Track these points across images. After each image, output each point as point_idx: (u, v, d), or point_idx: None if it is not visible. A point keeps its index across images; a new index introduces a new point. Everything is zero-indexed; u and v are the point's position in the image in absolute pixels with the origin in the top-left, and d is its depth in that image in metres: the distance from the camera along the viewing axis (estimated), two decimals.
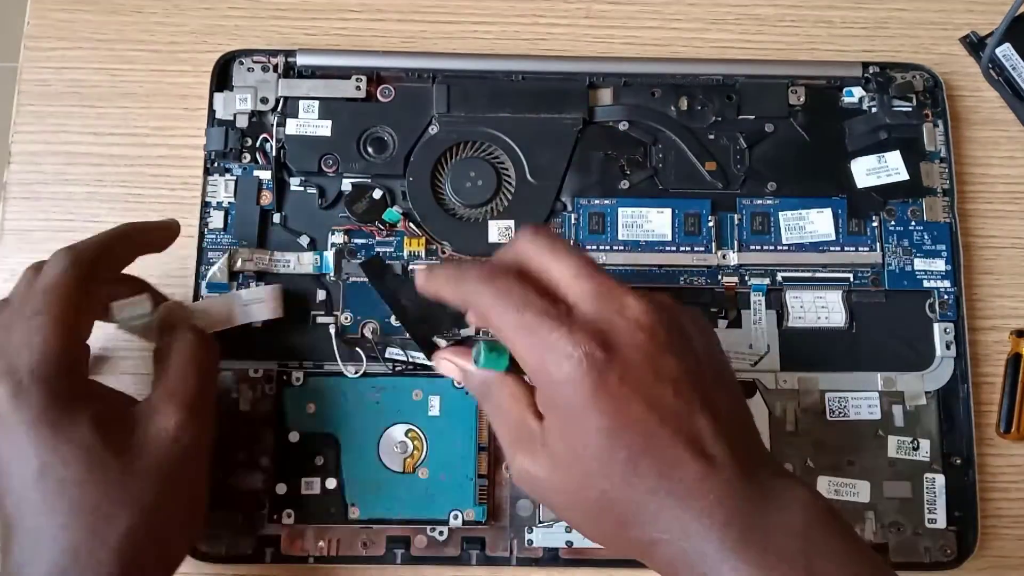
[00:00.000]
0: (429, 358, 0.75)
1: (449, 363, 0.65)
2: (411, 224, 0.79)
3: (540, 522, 0.75)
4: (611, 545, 0.58)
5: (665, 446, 0.54)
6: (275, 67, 0.81)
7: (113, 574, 0.60)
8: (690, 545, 0.53)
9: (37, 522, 0.59)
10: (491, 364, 0.60)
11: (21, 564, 0.59)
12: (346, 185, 0.81)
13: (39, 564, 0.59)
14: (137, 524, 0.61)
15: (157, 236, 0.73)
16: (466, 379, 0.64)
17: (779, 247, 0.80)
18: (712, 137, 0.82)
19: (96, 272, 0.67)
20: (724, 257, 0.80)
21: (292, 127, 0.81)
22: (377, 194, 0.80)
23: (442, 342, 0.76)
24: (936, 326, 0.79)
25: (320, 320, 0.78)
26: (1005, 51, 0.85)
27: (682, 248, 0.80)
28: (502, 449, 0.60)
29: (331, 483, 0.74)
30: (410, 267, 0.79)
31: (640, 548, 0.55)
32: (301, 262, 0.79)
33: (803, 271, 0.80)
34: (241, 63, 0.82)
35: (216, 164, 0.81)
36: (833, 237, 0.80)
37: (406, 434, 0.75)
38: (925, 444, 0.76)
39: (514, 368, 0.60)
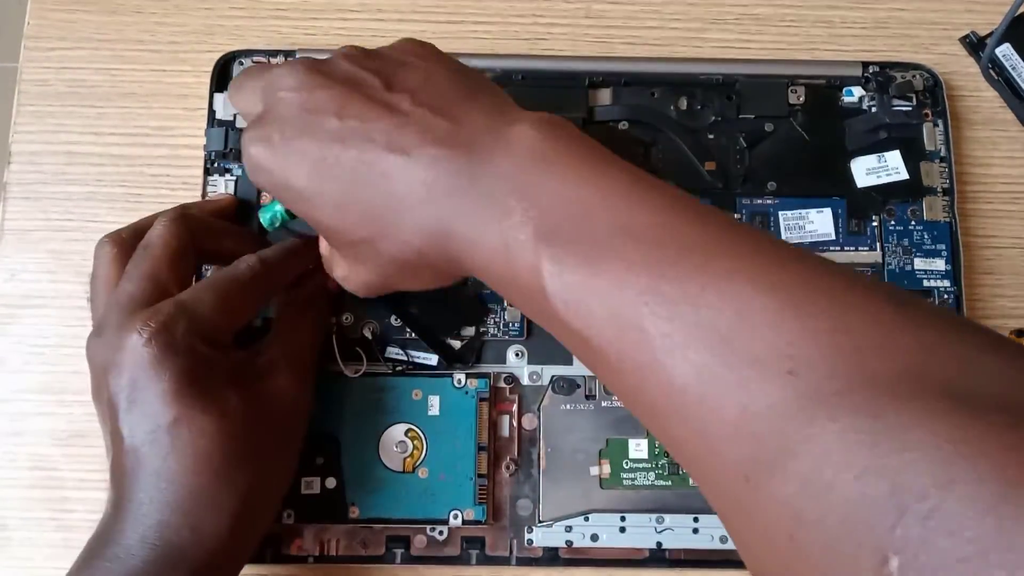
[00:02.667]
0: (446, 360, 0.76)
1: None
2: None
3: (540, 522, 0.75)
4: (401, 277, 0.64)
5: (356, 138, 0.59)
6: None
7: (228, 521, 0.63)
8: (413, 213, 0.58)
9: (167, 464, 0.61)
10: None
11: (142, 502, 0.61)
12: None
13: (160, 503, 0.61)
14: (256, 479, 0.64)
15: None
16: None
17: None
18: (712, 137, 0.82)
19: (272, 285, 0.72)
20: None
21: None
22: None
23: (456, 343, 0.77)
24: None
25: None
26: (1005, 51, 0.85)
27: None
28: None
29: (331, 483, 0.74)
30: None
31: (408, 260, 0.61)
32: None
33: None
34: (241, 63, 0.82)
35: (216, 164, 0.81)
36: (833, 237, 0.80)
37: (406, 434, 0.75)
38: None
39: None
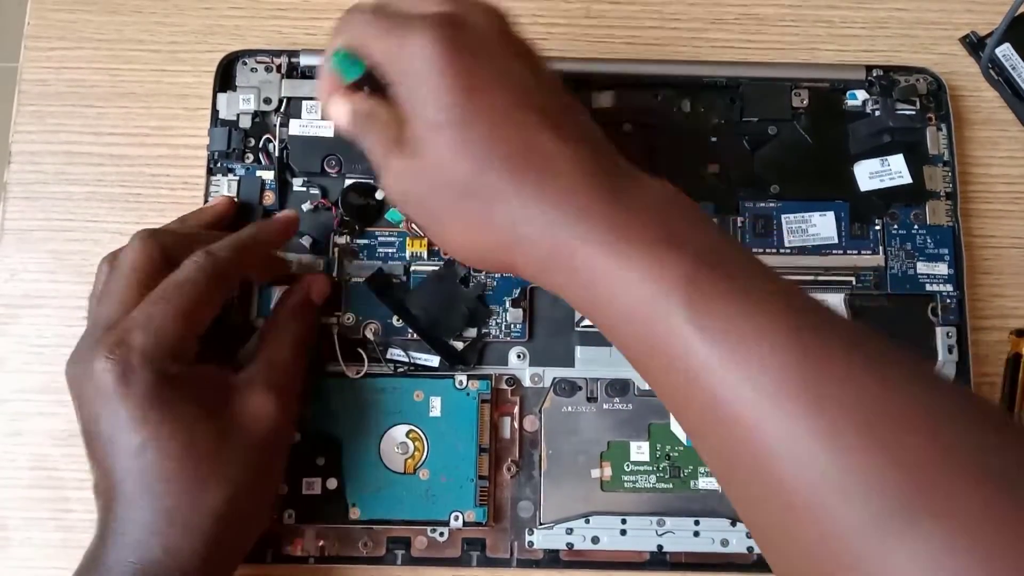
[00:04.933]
0: (448, 361, 0.76)
1: (336, 101, 0.66)
2: (413, 225, 0.79)
3: (541, 524, 0.75)
4: (482, 256, 0.62)
5: (519, 123, 0.57)
6: (278, 67, 0.81)
7: (202, 540, 0.62)
8: (551, 232, 0.56)
9: (137, 488, 0.61)
10: (344, 66, 0.64)
11: (121, 523, 0.61)
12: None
13: (136, 524, 0.61)
14: (228, 497, 0.63)
15: (280, 235, 0.76)
16: (351, 118, 0.65)
17: (781, 250, 0.80)
18: (715, 139, 0.82)
19: (228, 279, 0.70)
20: None
21: (295, 128, 0.80)
22: (380, 195, 0.80)
23: (458, 344, 0.77)
24: (938, 330, 0.79)
25: (322, 321, 0.78)
26: (1005, 51, 0.85)
27: None
28: (376, 167, 0.63)
29: (332, 483, 0.74)
30: (412, 268, 0.79)
31: (507, 252, 0.59)
32: (302, 263, 0.79)
33: (805, 274, 0.80)
34: (244, 63, 0.82)
35: (219, 164, 0.81)
36: (836, 240, 0.80)
37: (407, 435, 0.75)
38: None
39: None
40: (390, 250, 0.80)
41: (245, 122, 0.81)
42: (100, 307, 0.66)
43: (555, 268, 0.57)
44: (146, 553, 0.61)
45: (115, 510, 0.62)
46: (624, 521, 0.75)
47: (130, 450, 0.61)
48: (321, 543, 0.75)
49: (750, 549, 0.75)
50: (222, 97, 0.82)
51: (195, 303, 0.65)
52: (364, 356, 0.76)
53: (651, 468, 0.76)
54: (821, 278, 0.80)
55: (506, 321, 0.78)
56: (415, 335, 0.78)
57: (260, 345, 0.71)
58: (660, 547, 0.75)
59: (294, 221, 0.77)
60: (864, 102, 0.83)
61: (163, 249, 0.68)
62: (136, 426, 0.61)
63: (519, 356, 0.78)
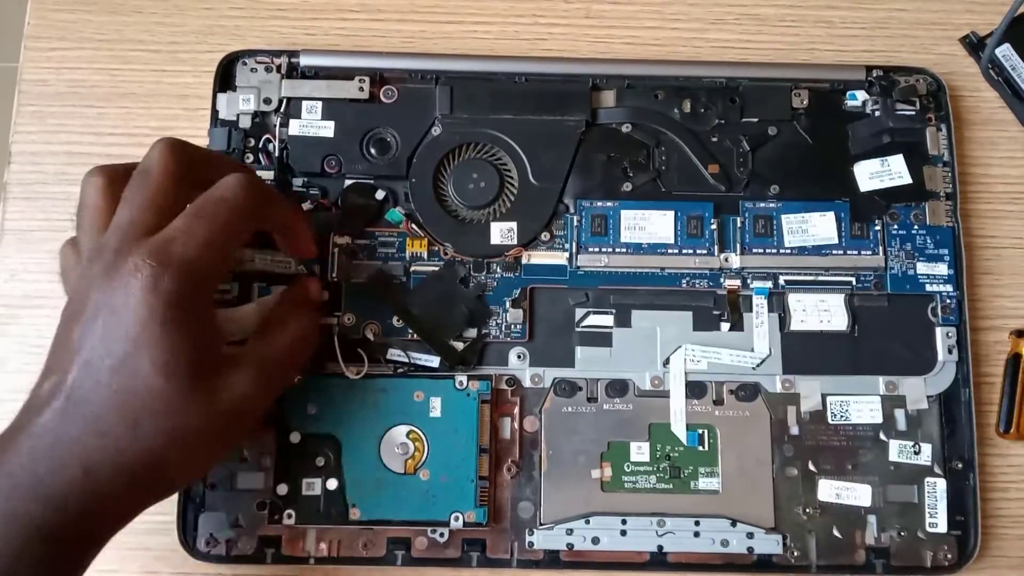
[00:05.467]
0: (448, 362, 0.76)
1: None
2: (413, 225, 0.79)
3: (541, 524, 0.75)
4: None
5: None
6: (278, 68, 0.81)
7: (127, 475, 0.60)
8: None
9: (97, 392, 0.59)
10: None
11: (48, 424, 0.59)
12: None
13: (71, 432, 0.59)
14: (168, 447, 0.61)
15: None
16: None
17: (781, 250, 0.80)
18: (715, 140, 0.82)
19: (263, 210, 0.69)
20: (726, 260, 0.80)
21: (295, 128, 0.80)
22: (380, 195, 0.80)
23: (458, 344, 0.77)
24: (938, 330, 0.79)
25: (322, 321, 0.78)
26: (1005, 51, 0.85)
27: (684, 251, 0.80)
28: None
29: (332, 484, 0.74)
30: (412, 268, 0.79)
31: None
32: (299, 263, 0.79)
33: (805, 274, 0.80)
34: (244, 64, 0.82)
35: None
36: (836, 240, 0.80)
37: (407, 435, 0.75)
38: (927, 448, 0.77)
39: None
40: (390, 250, 0.80)
41: (245, 122, 0.81)
42: (126, 210, 0.63)
43: None
44: (63, 459, 0.59)
45: (55, 403, 0.59)
46: (624, 522, 0.75)
47: (115, 352, 0.59)
48: (321, 544, 0.75)
49: (750, 549, 0.75)
50: (222, 97, 0.82)
51: (236, 227, 0.65)
52: (364, 356, 0.76)
53: (651, 468, 0.76)
54: (821, 278, 0.80)
55: (506, 321, 0.78)
56: (415, 335, 0.78)
57: (261, 327, 0.71)
58: (660, 547, 0.75)
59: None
60: (864, 102, 0.83)
61: (192, 160, 0.67)
62: (138, 332, 0.59)
63: (519, 356, 0.78)
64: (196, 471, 0.70)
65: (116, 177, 0.67)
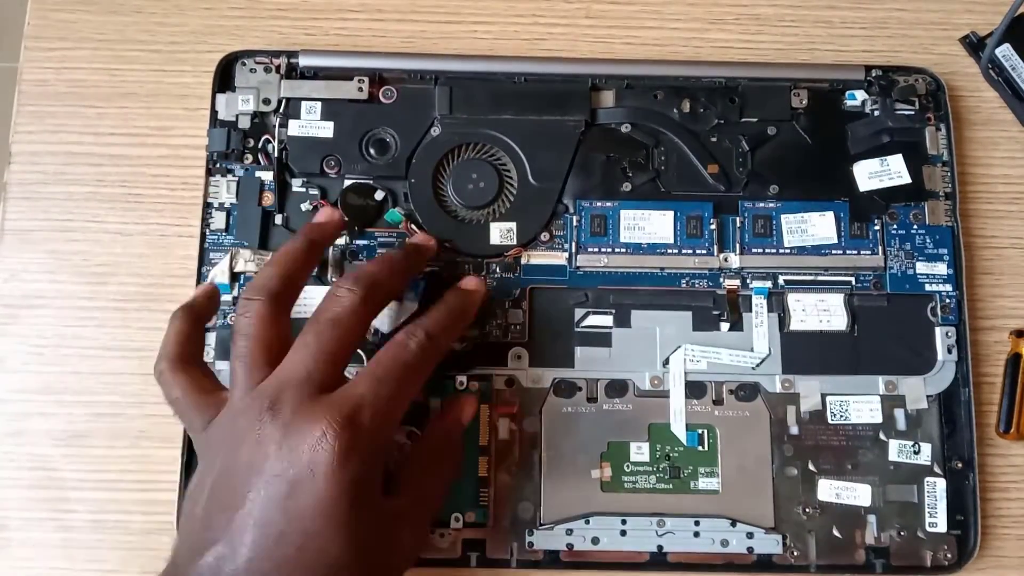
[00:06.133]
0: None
1: None
2: (413, 226, 0.79)
3: (541, 525, 0.75)
4: None
5: None
6: (277, 68, 0.81)
7: None
8: None
9: (274, 571, 0.57)
10: None
11: None
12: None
13: None
14: None
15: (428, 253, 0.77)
16: None
17: (781, 250, 0.80)
18: (714, 140, 0.82)
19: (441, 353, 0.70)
20: (726, 260, 0.80)
21: (294, 128, 0.80)
22: (379, 195, 0.80)
23: (456, 345, 0.77)
24: (938, 330, 0.79)
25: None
26: (1005, 51, 0.85)
27: (684, 251, 0.80)
28: None
29: None
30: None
31: None
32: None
33: (805, 274, 0.80)
34: (243, 64, 0.82)
35: (218, 165, 0.81)
36: (835, 240, 0.80)
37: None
38: (926, 448, 0.77)
39: None
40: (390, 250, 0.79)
41: (244, 123, 0.81)
42: (305, 359, 0.62)
43: None
44: None
45: (222, 559, 0.56)
46: (624, 522, 0.75)
47: (298, 528, 0.57)
48: None
49: (750, 549, 0.75)
50: (221, 98, 0.82)
51: (415, 387, 0.65)
52: (364, 357, 0.76)
53: (651, 468, 0.76)
54: (821, 278, 0.80)
55: (506, 321, 0.78)
56: None
57: (414, 470, 0.69)
58: (660, 547, 0.75)
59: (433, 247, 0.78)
60: (863, 102, 0.83)
61: (368, 300, 0.66)
62: (327, 509, 0.57)
63: (519, 357, 0.78)
64: None
65: (280, 303, 0.66)
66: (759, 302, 0.79)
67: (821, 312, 0.79)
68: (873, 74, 0.84)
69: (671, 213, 0.80)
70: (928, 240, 0.81)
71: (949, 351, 0.78)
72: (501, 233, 0.80)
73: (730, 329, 0.79)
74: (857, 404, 0.77)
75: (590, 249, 0.80)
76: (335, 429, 0.57)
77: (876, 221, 0.81)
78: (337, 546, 0.57)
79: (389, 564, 0.63)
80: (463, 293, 0.74)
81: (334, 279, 0.78)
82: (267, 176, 0.80)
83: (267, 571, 0.56)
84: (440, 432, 0.73)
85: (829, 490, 0.76)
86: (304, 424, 0.58)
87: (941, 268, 0.80)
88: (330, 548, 0.57)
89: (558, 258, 0.80)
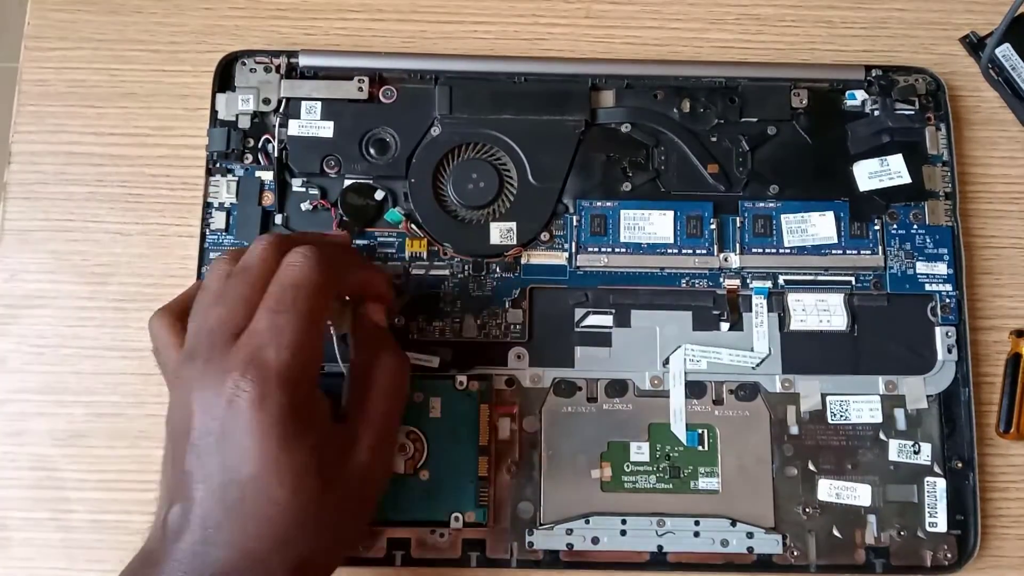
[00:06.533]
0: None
1: None
2: (413, 225, 0.79)
3: (541, 524, 0.75)
4: None
5: None
6: (277, 68, 0.82)
7: None
8: None
9: (224, 518, 0.57)
10: None
11: (192, 545, 0.57)
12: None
13: (214, 556, 0.57)
14: (315, 550, 0.60)
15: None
16: None
17: (781, 250, 0.80)
18: (714, 139, 0.82)
19: (338, 276, 0.67)
20: (726, 260, 0.80)
21: (294, 128, 0.81)
22: (379, 195, 0.80)
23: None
24: (938, 330, 0.79)
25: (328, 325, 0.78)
26: (1005, 51, 0.85)
27: (684, 251, 0.80)
28: None
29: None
30: (411, 269, 0.80)
31: None
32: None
33: (805, 274, 0.80)
34: (243, 64, 0.82)
35: (218, 165, 0.81)
36: (835, 240, 0.80)
37: (407, 436, 0.75)
38: (926, 448, 0.77)
39: None
40: (389, 250, 0.80)
41: (244, 122, 0.81)
42: (216, 308, 0.62)
43: None
44: None
45: (187, 530, 0.57)
46: (624, 521, 0.75)
47: (238, 477, 0.57)
48: None
49: (750, 549, 0.75)
50: (221, 97, 0.82)
51: (319, 309, 0.63)
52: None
53: (651, 468, 0.76)
54: (821, 278, 0.80)
55: (506, 321, 0.79)
56: (415, 336, 0.78)
57: (357, 386, 0.68)
58: (660, 547, 0.75)
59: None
60: (863, 102, 0.83)
61: (278, 249, 0.65)
62: (258, 455, 0.57)
63: (519, 357, 0.78)
64: (345, 549, 0.70)
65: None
66: (759, 302, 0.79)
67: (821, 312, 0.79)
68: (873, 74, 0.84)
69: (671, 213, 0.80)
70: (928, 240, 0.81)
71: (949, 351, 0.78)
72: (501, 233, 0.80)
73: (730, 329, 0.79)
74: (857, 404, 0.77)
75: (590, 249, 0.80)
76: (242, 374, 0.58)
77: (876, 221, 0.81)
78: (278, 486, 0.58)
79: (345, 490, 0.62)
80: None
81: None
82: (267, 176, 0.80)
83: (220, 521, 0.57)
84: (365, 342, 0.71)
85: (829, 490, 0.76)
86: (215, 375, 0.58)
87: (941, 268, 0.80)
88: (271, 490, 0.58)
89: (558, 258, 0.80)
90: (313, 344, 0.61)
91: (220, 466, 0.58)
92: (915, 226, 0.81)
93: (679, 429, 0.77)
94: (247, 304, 0.61)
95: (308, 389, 0.61)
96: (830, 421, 0.77)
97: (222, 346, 0.59)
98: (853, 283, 0.80)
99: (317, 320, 0.62)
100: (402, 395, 0.70)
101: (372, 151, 0.81)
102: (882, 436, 0.77)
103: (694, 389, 0.78)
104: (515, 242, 0.80)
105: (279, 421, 0.58)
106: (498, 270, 0.80)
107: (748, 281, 0.80)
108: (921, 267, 0.80)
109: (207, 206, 0.80)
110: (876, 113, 0.82)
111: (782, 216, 0.81)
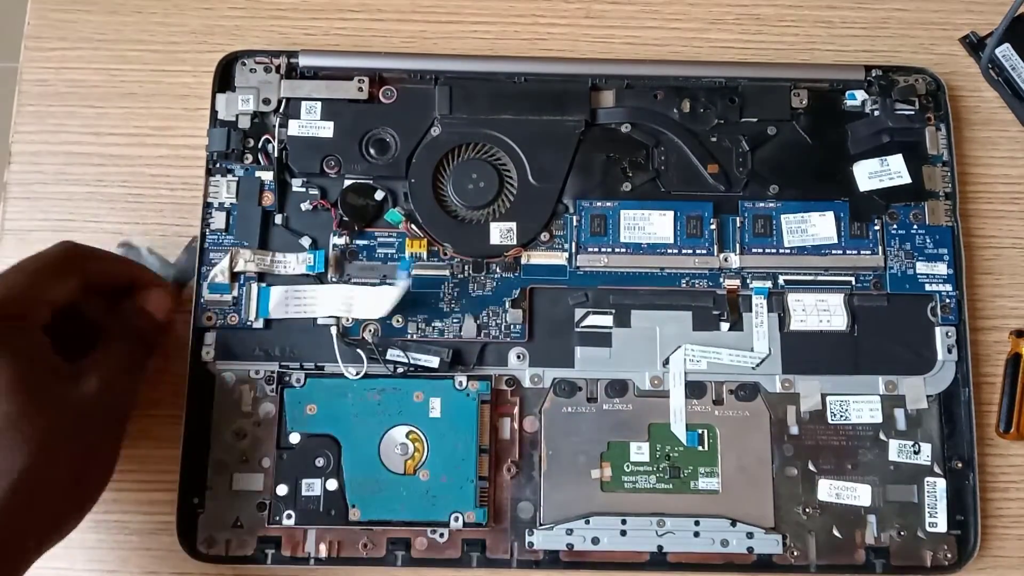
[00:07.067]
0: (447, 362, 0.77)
1: None
2: (413, 225, 0.79)
3: (541, 524, 0.75)
4: None
5: None
6: (277, 68, 0.81)
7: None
8: None
9: None
10: None
11: None
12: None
13: None
14: (28, 467, 0.60)
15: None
16: None
17: (781, 250, 0.80)
18: (714, 139, 0.82)
19: (80, 264, 0.70)
20: (726, 260, 0.80)
21: (294, 128, 0.81)
22: (379, 195, 0.80)
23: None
24: (938, 330, 0.79)
25: (321, 322, 0.78)
26: (1005, 51, 0.85)
27: (684, 251, 0.80)
28: None
29: (332, 484, 0.74)
30: (411, 270, 0.80)
31: None
32: (298, 262, 0.79)
33: (805, 274, 0.80)
34: (244, 64, 0.82)
35: (218, 165, 0.81)
36: (835, 240, 0.80)
37: (407, 436, 0.75)
38: (926, 448, 0.77)
39: None
40: (389, 250, 0.80)
41: (244, 123, 0.81)
42: None
43: None
44: None
45: None
46: (624, 522, 0.75)
47: None
48: (321, 544, 0.75)
49: (750, 549, 0.75)
50: (221, 98, 0.82)
51: (47, 269, 0.67)
52: (363, 357, 0.76)
53: (651, 468, 0.76)
54: (821, 278, 0.80)
55: (506, 322, 0.79)
56: (414, 335, 0.78)
57: (106, 338, 0.71)
58: (660, 548, 0.75)
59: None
60: (863, 102, 0.83)
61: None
62: None
63: (519, 357, 0.78)
64: (91, 485, 0.68)
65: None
66: (759, 302, 0.79)
67: (821, 312, 0.79)
68: (873, 74, 0.84)
69: (671, 213, 0.80)
70: (928, 240, 0.81)
71: (949, 351, 0.78)
72: (501, 233, 0.80)
73: (730, 329, 0.79)
74: (857, 404, 0.77)
75: (590, 249, 0.80)
76: None
77: (876, 221, 0.81)
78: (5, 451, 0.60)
79: (64, 402, 0.64)
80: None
81: (333, 279, 0.79)
82: (267, 176, 0.80)
83: None
84: (127, 316, 0.74)
85: (829, 490, 0.76)
86: None
87: (941, 268, 0.80)
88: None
89: (558, 258, 0.80)
90: (29, 292, 0.66)
91: None
92: (915, 226, 0.81)
93: (679, 429, 0.77)
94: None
95: (28, 360, 0.63)
96: (830, 421, 0.77)
97: None
98: (853, 283, 0.80)
99: (42, 279, 0.67)
100: (141, 369, 0.75)
101: (372, 151, 0.81)
102: (882, 436, 0.77)
103: (694, 389, 0.78)
104: (515, 242, 0.80)
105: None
106: (498, 270, 0.79)
107: (748, 281, 0.80)
108: (921, 267, 0.80)
109: (207, 206, 0.80)
110: (876, 113, 0.82)
111: (782, 216, 0.81)
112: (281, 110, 0.81)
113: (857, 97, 0.83)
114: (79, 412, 0.64)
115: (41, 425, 0.61)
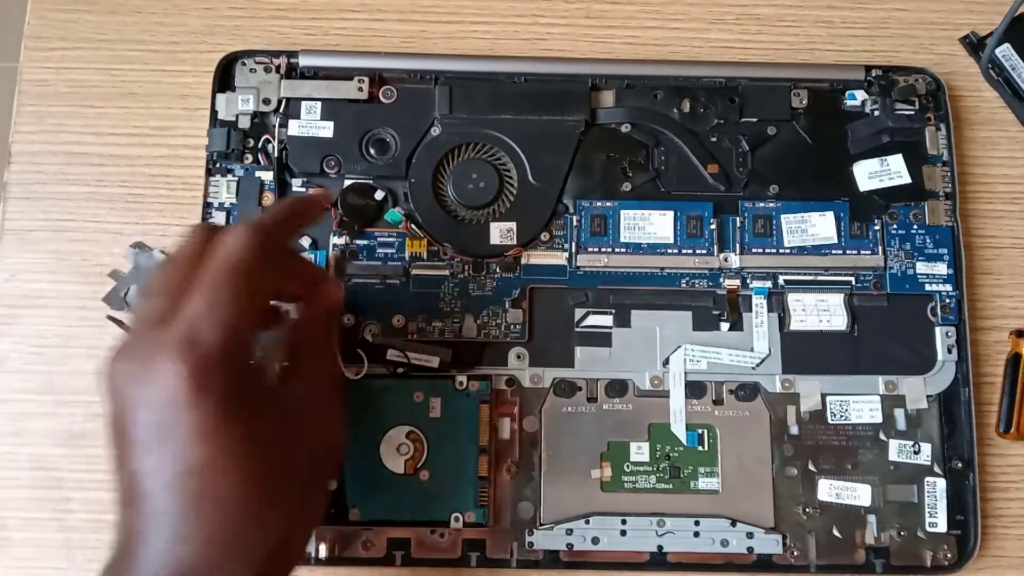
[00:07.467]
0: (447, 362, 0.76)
1: None
2: (413, 225, 0.79)
3: (541, 524, 0.75)
4: None
5: None
6: (277, 68, 0.81)
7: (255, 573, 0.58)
8: None
9: (185, 512, 0.55)
10: None
11: (157, 551, 0.55)
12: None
13: (178, 556, 0.54)
14: (285, 524, 0.59)
15: (315, 209, 0.73)
16: None
17: (781, 250, 0.80)
18: (714, 139, 0.82)
19: (275, 249, 0.64)
20: (726, 260, 0.80)
21: (294, 128, 0.81)
22: (379, 195, 0.80)
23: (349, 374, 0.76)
24: (938, 330, 0.79)
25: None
26: (1005, 51, 0.85)
27: (684, 251, 0.80)
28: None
29: (332, 484, 0.73)
30: (411, 270, 0.80)
31: None
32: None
33: (805, 274, 0.80)
34: (243, 64, 0.82)
35: (218, 165, 0.81)
36: (835, 240, 0.80)
37: (407, 436, 0.75)
38: (926, 448, 0.77)
39: None
40: (389, 250, 0.80)
41: (244, 123, 0.81)
42: (146, 300, 0.61)
43: None
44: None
45: (150, 535, 0.55)
46: (624, 522, 0.75)
47: (187, 467, 0.55)
48: (321, 544, 0.74)
49: (750, 549, 0.75)
50: (221, 98, 0.82)
51: (252, 286, 0.60)
52: (364, 357, 0.76)
53: (651, 468, 0.76)
54: (821, 278, 0.80)
55: (506, 321, 0.79)
56: (414, 335, 0.78)
57: (297, 355, 0.67)
58: (660, 547, 0.75)
59: (327, 196, 0.78)
60: (863, 102, 0.83)
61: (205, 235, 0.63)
62: (203, 439, 0.55)
63: (519, 357, 0.78)
64: (311, 518, 0.67)
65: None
66: (759, 302, 0.79)
67: (821, 312, 0.79)
68: (873, 74, 0.84)
69: (671, 213, 0.80)
70: (928, 240, 0.81)
71: (949, 351, 0.78)
72: (501, 233, 0.80)
73: (730, 329, 0.79)
74: (857, 404, 0.77)
75: (590, 249, 0.80)
76: (176, 357, 0.55)
77: (876, 221, 0.81)
78: (233, 464, 0.56)
79: (300, 447, 0.62)
80: (300, 197, 0.77)
81: (331, 273, 0.79)
82: (267, 176, 0.80)
83: (179, 515, 0.55)
84: (318, 302, 0.70)
85: (829, 490, 0.76)
86: (148, 363, 0.55)
87: (941, 268, 0.80)
88: (227, 473, 0.56)
89: (558, 258, 0.80)
90: (246, 320, 0.59)
91: (168, 458, 0.55)
92: (915, 226, 0.81)
93: (679, 429, 0.77)
94: (176, 290, 0.58)
95: (242, 367, 0.59)
96: (830, 421, 0.77)
97: (150, 331, 0.57)
98: (853, 283, 0.80)
99: (251, 296, 0.60)
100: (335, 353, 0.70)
101: (372, 151, 0.81)
102: (882, 436, 0.77)
103: (694, 389, 0.78)
104: (515, 242, 0.80)
105: (224, 400, 0.56)
106: (498, 270, 0.80)
107: (748, 281, 0.80)
108: (921, 267, 0.80)
109: (207, 206, 0.80)
110: (876, 113, 0.82)
111: (782, 216, 0.81)
112: (281, 110, 0.81)
113: (857, 97, 0.83)
114: (302, 455, 0.62)
115: (285, 489, 0.60)
